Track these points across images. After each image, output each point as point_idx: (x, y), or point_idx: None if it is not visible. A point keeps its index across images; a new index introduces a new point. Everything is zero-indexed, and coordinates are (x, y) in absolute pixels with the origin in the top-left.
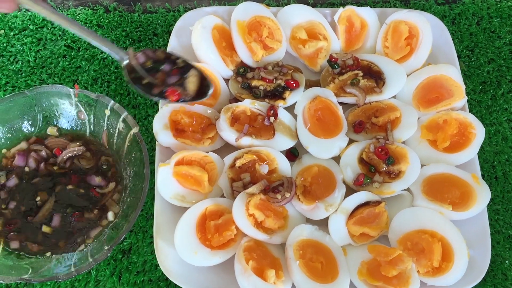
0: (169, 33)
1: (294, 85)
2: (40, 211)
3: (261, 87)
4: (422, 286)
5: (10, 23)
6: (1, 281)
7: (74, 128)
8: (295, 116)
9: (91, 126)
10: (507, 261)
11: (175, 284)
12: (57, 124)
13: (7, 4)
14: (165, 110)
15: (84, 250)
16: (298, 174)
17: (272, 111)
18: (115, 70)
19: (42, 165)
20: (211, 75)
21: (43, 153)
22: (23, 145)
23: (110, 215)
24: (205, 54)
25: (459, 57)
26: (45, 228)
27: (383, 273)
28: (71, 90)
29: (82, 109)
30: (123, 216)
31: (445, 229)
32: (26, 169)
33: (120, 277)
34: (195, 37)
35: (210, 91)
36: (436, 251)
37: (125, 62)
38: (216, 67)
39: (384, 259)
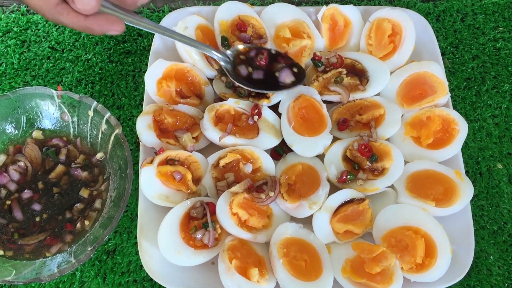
0: (154, 33)
1: None
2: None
3: None
4: (405, 282)
5: None
6: None
7: (58, 130)
8: (279, 115)
9: (75, 127)
10: (491, 257)
11: (160, 284)
12: (41, 126)
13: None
14: (149, 110)
15: (68, 251)
16: (282, 172)
17: (256, 110)
18: (100, 71)
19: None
20: None
21: (22, 164)
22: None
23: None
24: (189, 54)
25: (443, 54)
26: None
27: (366, 270)
28: (54, 91)
29: (66, 111)
30: (107, 217)
31: (428, 225)
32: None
33: (104, 278)
34: None
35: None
36: (419, 247)
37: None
38: (200, 67)
39: (368, 256)
